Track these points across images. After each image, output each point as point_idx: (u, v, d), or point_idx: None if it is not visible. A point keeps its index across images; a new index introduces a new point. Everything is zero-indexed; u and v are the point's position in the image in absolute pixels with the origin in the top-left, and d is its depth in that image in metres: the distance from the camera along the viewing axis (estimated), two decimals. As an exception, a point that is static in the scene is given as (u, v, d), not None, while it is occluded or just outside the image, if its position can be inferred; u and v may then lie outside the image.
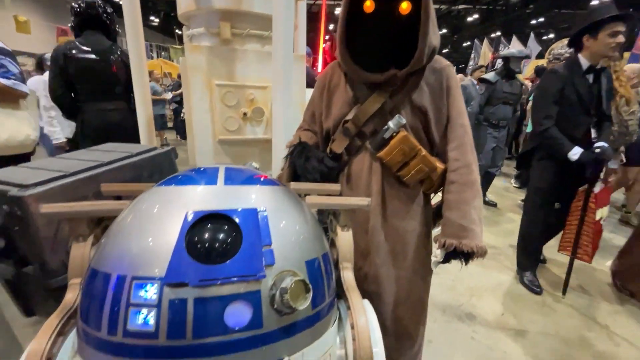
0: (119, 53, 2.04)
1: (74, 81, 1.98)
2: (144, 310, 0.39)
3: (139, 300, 0.40)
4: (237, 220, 0.44)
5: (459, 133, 0.88)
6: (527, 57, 3.26)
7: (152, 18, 14.49)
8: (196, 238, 0.41)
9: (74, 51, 1.94)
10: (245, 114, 1.47)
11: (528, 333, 1.72)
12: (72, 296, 0.55)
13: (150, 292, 0.40)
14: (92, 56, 1.97)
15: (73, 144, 2.57)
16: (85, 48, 1.97)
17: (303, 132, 1.02)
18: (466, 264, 0.86)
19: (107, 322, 0.40)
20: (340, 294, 0.63)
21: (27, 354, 0.47)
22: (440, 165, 0.89)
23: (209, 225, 0.43)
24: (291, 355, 0.44)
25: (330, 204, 0.65)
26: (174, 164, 1.30)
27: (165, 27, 16.15)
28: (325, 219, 0.77)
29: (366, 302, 0.62)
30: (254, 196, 0.50)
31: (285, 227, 0.49)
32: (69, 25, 2.17)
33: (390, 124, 0.84)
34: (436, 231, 0.94)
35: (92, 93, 2.03)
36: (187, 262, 0.39)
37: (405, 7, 0.80)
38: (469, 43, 17.39)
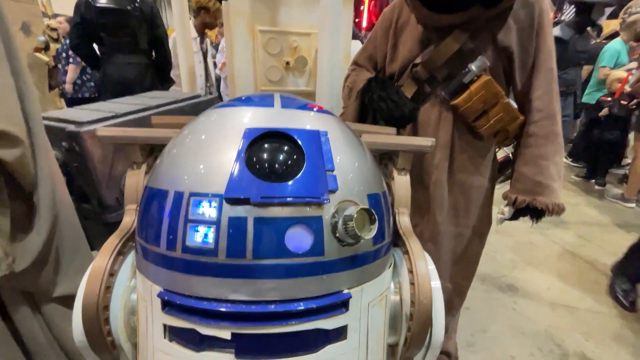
0: (137, 4, 1.97)
1: (99, 32, 1.96)
2: (203, 227, 0.37)
3: (197, 217, 0.38)
4: (299, 140, 0.40)
5: (547, 79, 0.76)
6: (610, 4, 2.69)
7: None
8: (257, 155, 0.38)
9: (95, 2, 1.89)
10: (288, 63, 1.41)
11: (577, 310, 1.62)
12: (129, 220, 0.55)
13: (210, 208, 0.37)
14: (111, 6, 1.92)
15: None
16: None
17: (362, 72, 0.94)
18: (536, 222, 0.79)
19: (165, 238, 0.39)
20: (395, 241, 0.59)
21: (91, 269, 0.48)
22: (521, 116, 0.79)
23: (270, 143, 0.39)
24: (351, 289, 0.42)
25: (390, 143, 0.59)
26: (217, 113, 1.29)
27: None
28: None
29: (423, 250, 0.58)
30: (313, 120, 0.45)
31: (347, 155, 0.45)
32: None
33: (472, 66, 0.74)
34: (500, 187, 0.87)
35: (111, 45, 2.01)
36: (248, 178, 0.36)
37: None
38: None
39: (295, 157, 0.39)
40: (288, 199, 0.37)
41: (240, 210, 0.37)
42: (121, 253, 0.51)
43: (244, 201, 0.36)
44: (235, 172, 0.37)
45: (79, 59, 2.95)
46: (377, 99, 0.79)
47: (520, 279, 1.83)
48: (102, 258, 0.48)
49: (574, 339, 1.44)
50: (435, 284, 0.52)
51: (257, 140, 0.39)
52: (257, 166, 0.37)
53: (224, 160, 0.38)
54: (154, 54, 2.09)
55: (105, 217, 0.96)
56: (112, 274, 0.49)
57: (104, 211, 0.95)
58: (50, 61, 4.73)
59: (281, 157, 0.39)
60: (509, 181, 0.95)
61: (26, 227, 0.68)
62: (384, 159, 0.67)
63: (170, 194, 0.40)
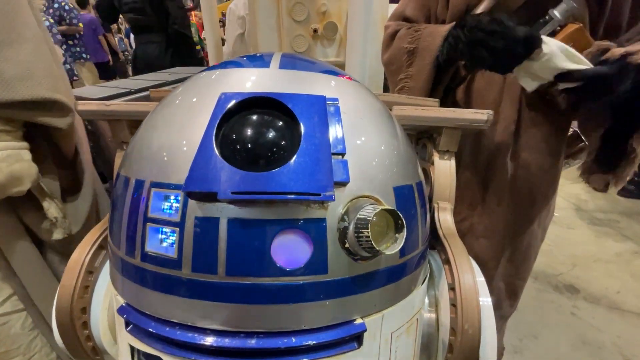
0: None
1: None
2: (166, 229, 0.28)
3: (158, 214, 0.28)
4: (293, 110, 0.28)
5: None
6: None
7: None
8: (233, 133, 0.27)
9: None
10: (315, 30, 1.26)
11: (654, 319, 1.37)
12: (115, 209, 0.48)
13: (172, 204, 0.28)
14: None
15: None
16: None
17: (424, 27, 0.72)
18: None
19: (125, 240, 0.30)
20: (432, 243, 0.46)
21: (68, 264, 0.42)
22: None
23: (253, 117, 0.28)
24: (366, 318, 0.30)
25: (430, 116, 0.44)
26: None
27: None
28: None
29: (470, 258, 0.45)
30: (320, 85, 0.33)
31: (368, 133, 0.32)
32: None
33: (555, 12, 0.56)
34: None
35: (133, 24, 2.07)
36: (218, 164, 0.26)
37: None
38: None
39: (289, 132, 0.28)
40: (275, 195, 0.25)
41: (210, 209, 0.26)
42: (103, 247, 0.44)
43: (212, 196, 0.25)
44: (201, 156, 0.26)
45: (59, 36, 3.05)
46: (478, 37, 0.58)
47: (583, 279, 1.59)
48: (79, 252, 0.42)
49: (649, 354, 1.21)
50: (485, 301, 0.39)
51: (236, 111, 0.28)
52: (232, 147, 0.26)
53: (192, 139, 0.28)
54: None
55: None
56: (92, 271, 0.43)
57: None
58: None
59: (268, 132, 0.27)
60: (572, 166, 0.77)
61: (73, 193, 0.72)
62: (422, 137, 0.53)
63: (131, 183, 0.31)
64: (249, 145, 0.27)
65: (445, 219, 0.45)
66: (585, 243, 1.84)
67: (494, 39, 0.56)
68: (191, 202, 0.27)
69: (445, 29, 0.65)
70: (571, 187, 2.35)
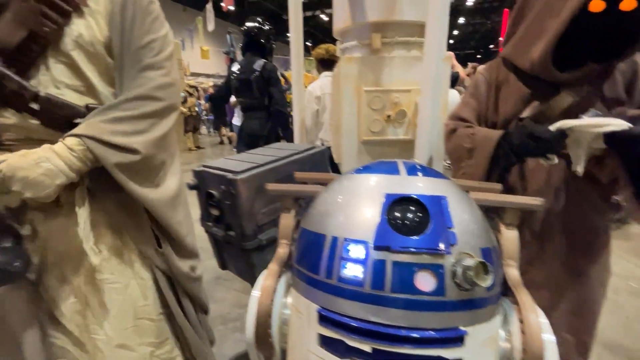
0: (258, 72, 2.54)
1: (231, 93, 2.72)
2: (353, 264, 0.52)
3: (349, 256, 0.53)
4: (425, 203, 0.53)
5: None
6: None
7: (287, 34, 16.79)
8: (396, 214, 0.52)
9: (235, 71, 2.62)
10: (389, 116, 1.57)
11: None
12: (283, 251, 0.75)
13: (359, 251, 0.52)
14: (242, 77, 2.58)
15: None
16: (237, 69, 2.61)
17: (478, 130, 1.01)
18: None
19: (325, 269, 0.55)
20: (504, 291, 0.65)
21: (261, 288, 0.67)
22: None
23: (404, 205, 0.53)
24: (466, 327, 0.50)
25: (497, 201, 0.67)
26: (326, 161, 1.51)
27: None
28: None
29: (534, 302, 0.62)
30: (434, 185, 0.58)
31: (462, 214, 0.55)
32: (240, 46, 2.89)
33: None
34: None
35: (243, 106, 2.71)
36: (389, 232, 0.51)
37: (629, 4, 0.74)
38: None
39: (423, 216, 0.52)
40: (420, 249, 0.49)
41: (382, 255, 0.51)
42: (279, 275, 0.70)
43: (386, 248, 0.50)
44: (381, 227, 0.51)
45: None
46: (522, 140, 0.82)
47: (668, 357, 1.50)
48: (270, 280, 0.68)
49: None
50: (548, 337, 0.56)
51: (394, 202, 0.54)
52: (396, 223, 0.52)
53: (370, 216, 0.54)
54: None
55: (244, 244, 1.22)
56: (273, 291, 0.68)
57: (243, 239, 1.22)
58: (186, 112, 6.52)
59: (414, 216, 0.52)
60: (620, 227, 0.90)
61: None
62: (490, 212, 0.74)
63: (328, 238, 0.57)
64: (405, 223, 0.52)
65: (513, 273, 0.64)
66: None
67: (535, 142, 0.80)
68: (371, 250, 0.51)
69: (496, 135, 0.91)
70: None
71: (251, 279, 1.33)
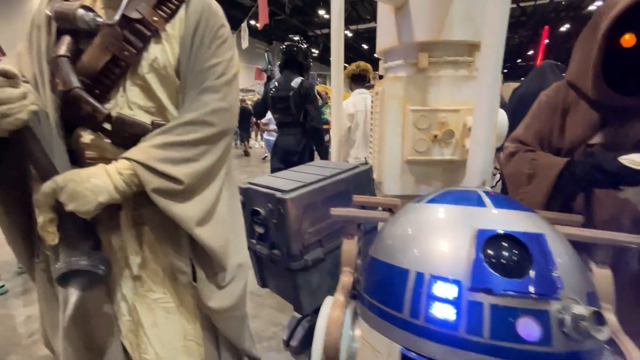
0: (295, 89, 2.58)
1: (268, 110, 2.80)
2: (443, 304, 0.49)
3: (438, 295, 0.49)
4: (524, 242, 0.49)
5: None
6: None
7: (313, 50, 17.26)
8: (490, 253, 0.49)
9: (272, 88, 2.67)
10: (435, 136, 1.53)
11: None
12: (347, 280, 0.72)
13: (450, 290, 0.49)
14: (279, 94, 2.63)
15: None
16: (275, 86, 2.66)
17: (540, 156, 0.98)
18: None
19: (409, 308, 0.52)
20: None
21: (328, 318, 0.65)
22: None
23: (499, 243, 0.50)
24: (577, 384, 0.45)
25: (589, 237, 0.61)
26: (370, 180, 1.49)
27: (323, 56, 18.99)
28: None
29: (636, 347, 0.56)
30: (528, 220, 0.54)
31: (562, 253, 0.51)
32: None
33: None
34: None
35: (279, 122, 2.76)
36: (486, 272, 0.47)
37: None
38: None
39: (523, 256, 0.48)
40: (524, 294, 0.45)
41: (479, 297, 0.47)
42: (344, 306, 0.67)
43: (487, 290, 0.46)
44: (476, 266, 0.48)
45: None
46: (586, 171, 0.81)
47: None
48: (337, 311, 0.65)
49: None
50: None
51: (489, 239, 0.50)
52: (493, 262, 0.48)
53: (461, 253, 0.50)
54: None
55: (289, 264, 1.20)
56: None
57: (289, 259, 1.20)
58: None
59: (512, 255, 0.48)
60: None
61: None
62: (577, 248, 0.69)
63: (412, 273, 0.53)
64: (504, 262, 0.48)
65: (611, 318, 0.58)
66: None
67: (600, 174, 0.75)
68: (466, 291, 0.48)
69: (559, 163, 0.86)
70: None
71: (294, 299, 1.30)
